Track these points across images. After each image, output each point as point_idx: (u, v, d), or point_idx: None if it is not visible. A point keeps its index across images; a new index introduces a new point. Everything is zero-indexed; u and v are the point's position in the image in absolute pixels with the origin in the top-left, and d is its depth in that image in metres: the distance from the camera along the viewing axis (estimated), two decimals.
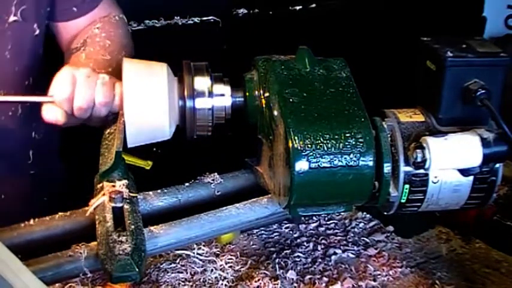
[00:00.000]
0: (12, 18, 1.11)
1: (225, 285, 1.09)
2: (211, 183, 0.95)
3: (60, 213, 0.86)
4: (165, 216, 0.88)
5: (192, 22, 1.86)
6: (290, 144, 0.78)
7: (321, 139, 0.79)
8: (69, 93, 0.95)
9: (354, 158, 0.79)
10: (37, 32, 1.17)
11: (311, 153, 0.78)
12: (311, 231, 1.27)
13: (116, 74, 0.99)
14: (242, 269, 1.14)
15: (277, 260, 1.17)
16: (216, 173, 0.97)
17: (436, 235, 1.27)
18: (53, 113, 0.95)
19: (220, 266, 1.15)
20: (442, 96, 0.86)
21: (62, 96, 0.95)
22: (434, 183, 0.85)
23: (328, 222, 1.29)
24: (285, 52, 0.93)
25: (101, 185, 0.85)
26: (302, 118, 0.81)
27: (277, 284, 1.10)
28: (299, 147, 0.78)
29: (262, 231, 1.27)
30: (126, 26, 1.29)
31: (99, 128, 1.00)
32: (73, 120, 0.98)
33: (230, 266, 1.15)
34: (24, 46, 1.17)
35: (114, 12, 1.27)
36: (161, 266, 1.14)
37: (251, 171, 0.98)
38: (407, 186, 0.85)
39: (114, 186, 0.84)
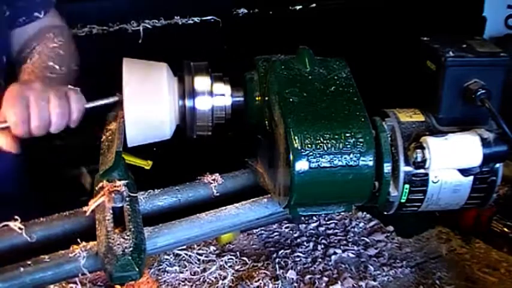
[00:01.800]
0: None
1: (225, 285, 1.09)
2: (211, 183, 0.95)
3: (60, 213, 0.86)
4: (165, 216, 0.88)
5: (192, 22, 1.86)
6: (290, 144, 0.78)
7: (321, 139, 0.79)
8: (25, 116, 0.91)
9: (354, 158, 0.79)
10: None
11: (311, 153, 0.78)
12: (311, 231, 1.27)
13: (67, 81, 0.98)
14: (242, 269, 1.14)
15: (277, 260, 1.17)
16: (216, 173, 0.97)
17: (436, 235, 1.27)
18: (8, 141, 0.92)
19: (220, 266, 1.15)
20: (442, 96, 0.86)
21: (16, 119, 0.91)
22: (434, 183, 0.85)
23: (328, 222, 1.30)
24: (285, 52, 0.93)
25: (101, 184, 0.85)
26: (302, 118, 0.81)
27: (277, 284, 1.10)
28: (299, 147, 0.78)
29: (262, 231, 1.27)
30: (71, 36, 1.28)
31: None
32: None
33: (230, 266, 1.15)
34: None
35: (60, 22, 1.27)
36: (161, 266, 1.14)
37: (251, 171, 0.98)
38: (407, 186, 0.85)
39: (114, 186, 0.84)
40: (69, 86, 0.98)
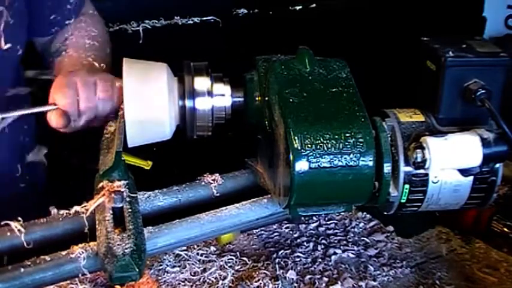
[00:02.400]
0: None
1: (225, 285, 1.09)
2: (211, 183, 0.95)
3: (60, 213, 0.86)
4: (165, 216, 0.88)
5: (192, 22, 1.86)
6: (290, 144, 0.78)
7: (321, 139, 0.79)
8: (72, 97, 0.97)
9: (354, 158, 0.79)
10: (20, 51, 1.18)
11: (311, 153, 0.78)
12: (311, 231, 1.27)
13: (106, 69, 1.02)
14: (242, 269, 1.14)
15: (277, 260, 1.17)
16: (216, 173, 0.97)
17: (436, 235, 1.27)
18: (56, 120, 0.97)
19: (220, 266, 1.15)
20: (442, 96, 0.85)
21: (66, 101, 0.97)
22: (434, 183, 0.85)
23: (328, 222, 1.30)
24: (285, 52, 0.93)
25: (101, 185, 0.85)
26: (302, 118, 0.81)
27: (277, 284, 1.10)
28: (299, 147, 0.78)
29: (262, 231, 1.27)
30: (103, 21, 1.29)
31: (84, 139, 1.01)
32: (78, 123, 1.00)
33: (230, 266, 1.15)
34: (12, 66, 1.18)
35: (91, 8, 1.27)
36: (161, 266, 1.14)
37: (251, 171, 0.98)
38: (407, 186, 0.85)
39: (114, 186, 0.84)
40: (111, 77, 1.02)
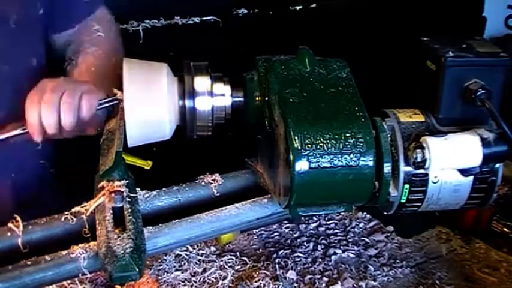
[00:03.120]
0: None
1: (225, 285, 1.10)
2: (211, 183, 0.95)
3: (60, 213, 0.86)
4: (165, 216, 0.88)
5: (192, 22, 1.86)
6: (290, 144, 0.78)
7: (321, 139, 0.79)
8: (55, 118, 0.97)
9: (354, 158, 0.79)
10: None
11: (311, 153, 0.78)
12: (311, 231, 1.27)
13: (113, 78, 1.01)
14: (242, 269, 1.14)
15: (277, 260, 1.17)
16: (216, 173, 0.97)
17: (436, 235, 1.27)
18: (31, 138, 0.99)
19: (220, 266, 1.15)
20: (442, 96, 0.85)
21: (47, 122, 0.97)
22: (434, 183, 0.85)
23: (328, 222, 1.30)
24: (285, 52, 0.93)
25: (101, 185, 0.85)
26: (302, 118, 0.81)
27: (277, 284, 1.10)
28: (299, 147, 0.78)
29: (262, 231, 1.27)
30: (117, 25, 1.30)
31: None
32: (60, 135, 1.01)
33: (230, 266, 1.15)
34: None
35: (106, 13, 1.28)
36: (161, 266, 1.14)
37: (251, 171, 0.98)
38: (407, 186, 0.85)
39: (114, 186, 0.84)
40: (87, 86, 1.02)
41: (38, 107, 0.97)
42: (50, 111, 0.97)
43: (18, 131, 0.99)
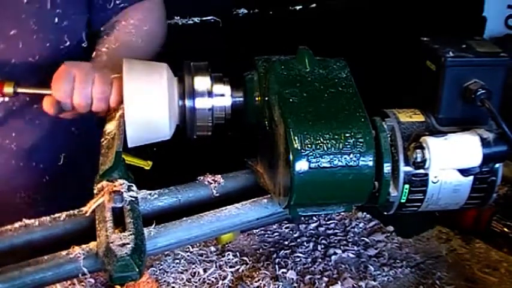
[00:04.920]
0: None
1: (225, 285, 1.10)
2: (211, 183, 0.95)
3: (60, 213, 0.86)
4: (165, 216, 0.88)
5: (192, 22, 1.86)
6: (290, 144, 0.78)
7: (321, 139, 0.79)
8: (68, 91, 0.99)
9: (354, 158, 0.79)
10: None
11: (311, 153, 0.78)
12: (311, 231, 1.27)
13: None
14: (242, 269, 1.14)
15: (277, 260, 1.17)
16: (216, 173, 0.97)
17: (436, 235, 1.27)
18: (47, 107, 1.01)
19: (220, 266, 1.15)
20: (442, 96, 0.85)
21: (60, 93, 0.99)
22: (434, 183, 0.85)
23: (328, 222, 1.30)
24: (285, 52, 0.93)
25: (101, 185, 0.85)
26: (302, 118, 0.81)
27: (277, 284, 1.10)
28: (299, 147, 0.78)
29: (262, 231, 1.27)
30: (161, 10, 1.32)
31: None
32: (70, 113, 1.03)
33: (230, 266, 1.15)
34: None
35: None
36: (161, 266, 1.14)
37: (251, 171, 0.98)
38: (407, 186, 0.85)
39: (114, 186, 0.84)
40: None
41: (70, 84, 0.99)
42: (82, 90, 0.98)
43: (43, 91, 1.00)
